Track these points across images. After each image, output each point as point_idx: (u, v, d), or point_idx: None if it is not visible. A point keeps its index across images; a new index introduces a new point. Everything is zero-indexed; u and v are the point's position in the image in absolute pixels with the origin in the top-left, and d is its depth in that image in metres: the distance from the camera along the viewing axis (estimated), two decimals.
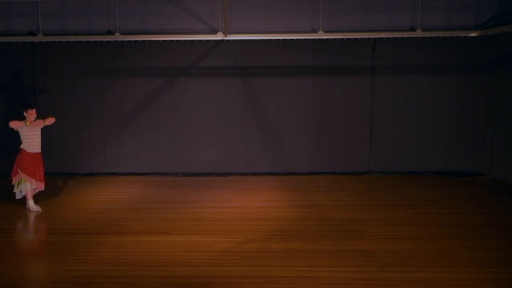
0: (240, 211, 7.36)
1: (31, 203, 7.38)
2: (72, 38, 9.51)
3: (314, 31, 9.66)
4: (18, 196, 7.46)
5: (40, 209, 7.36)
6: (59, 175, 9.86)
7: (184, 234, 6.26)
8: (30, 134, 7.32)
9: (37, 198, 7.59)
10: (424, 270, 5.08)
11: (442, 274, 5.00)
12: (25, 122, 7.27)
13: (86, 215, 7.16)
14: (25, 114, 7.32)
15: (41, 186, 7.48)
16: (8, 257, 5.53)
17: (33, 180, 7.33)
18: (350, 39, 9.66)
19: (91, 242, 5.95)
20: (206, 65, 9.85)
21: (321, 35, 9.46)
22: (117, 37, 9.49)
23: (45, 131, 9.86)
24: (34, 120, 7.35)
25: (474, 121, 9.83)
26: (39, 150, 7.45)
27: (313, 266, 5.18)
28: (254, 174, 9.97)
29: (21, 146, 7.36)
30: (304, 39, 9.67)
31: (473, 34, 9.32)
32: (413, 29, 9.60)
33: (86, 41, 9.64)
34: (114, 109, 9.97)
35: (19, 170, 7.30)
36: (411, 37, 9.57)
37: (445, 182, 9.32)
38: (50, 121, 7.54)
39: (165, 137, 10.02)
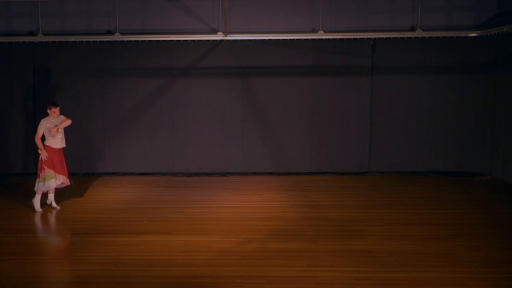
0: (240, 211, 7.36)
1: (37, 198, 7.36)
2: (72, 38, 9.51)
3: (314, 31, 9.66)
4: (38, 189, 7.34)
5: (41, 210, 7.36)
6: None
7: (184, 234, 6.26)
8: (52, 134, 7.32)
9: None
10: (424, 270, 5.08)
11: (442, 274, 5.00)
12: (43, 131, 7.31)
13: (86, 215, 7.16)
14: (48, 111, 7.39)
15: (66, 182, 7.50)
16: (8, 257, 5.53)
17: (59, 176, 7.33)
18: (350, 39, 9.66)
19: (91, 242, 5.95)
20: (206, 65, 9.85)
21: (321, 35, 9.46)
22: (117, 37, 9.49)
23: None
24: (56, 119, 7.40)
25: (474, 121, 9.83)
26: (63, 145, 7.47)
27: (313, 266, 5.19)
28: (254, 174, 9.97)
29: (45, 143, 7.33)
30: (304, 39, 9.67)
31: (473, 34, 9.32)
32: (413, 29, 9.60)
33: (86, 41, 9.64)
34: (114, 109, 9.97)
35: (44, 166, 7.27)
36: (411, 37, 9.57)
37: (445, 182, 9.32)
38: (65, 124, 7.46)
39: (165, 137, 10.01)
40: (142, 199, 8.14)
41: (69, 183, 7.59)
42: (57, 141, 7.37)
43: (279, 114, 9.95)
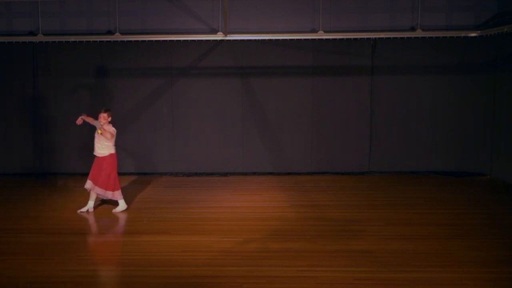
0: (240, 211, 7.36)
1: (89, 203, 7.33)
2: (72, 38, 9.51)
3: (314, 31, 9.66)
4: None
5: (87, 210, 7.28)
6: (59, 175, 9.86)
7: (184, 234, 6.26)
8: (95, 137, 7.28)
9: (37, 198, 7.57)
10: (424, 270, 5.08)
11: (442, 274, 5.00)
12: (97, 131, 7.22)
13: (86, 215, 7.16)
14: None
15: (98, 191, 7.23)
16: (8, 257, 5.53)
17: (89, 182, 7.23)
18: (350, 39, 9.66)
19: (91, 242, 5.95)
20: (206, 65, 9.85)
21: (321, 35, 9.46)
22: (117, 37, 9.49)
23: (45, 130, 9.90)
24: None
25: (474, 121, 9.83)
26: (98, 154, 7.28)
27: (313, 266, 5.19)
28: (254, 174, 9.97)
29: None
30: (304, 39, 9.67)
31: (473, 34, 9.32)
32: (413, 29, 9.60)
33: (86, 41, 9.64)
34: (114, 109, 9.91)
35: None
36: (411, 37, 9.58)
37: (445, 182, 9.32)
38: (104, 129, 7.20)
39: (165, 137, 10.01)
40: (142, 199, 8.14)
41: (100, 193, 7.25)
42: (95, 149, 7.28)
43: (279, 114, 9.94)
